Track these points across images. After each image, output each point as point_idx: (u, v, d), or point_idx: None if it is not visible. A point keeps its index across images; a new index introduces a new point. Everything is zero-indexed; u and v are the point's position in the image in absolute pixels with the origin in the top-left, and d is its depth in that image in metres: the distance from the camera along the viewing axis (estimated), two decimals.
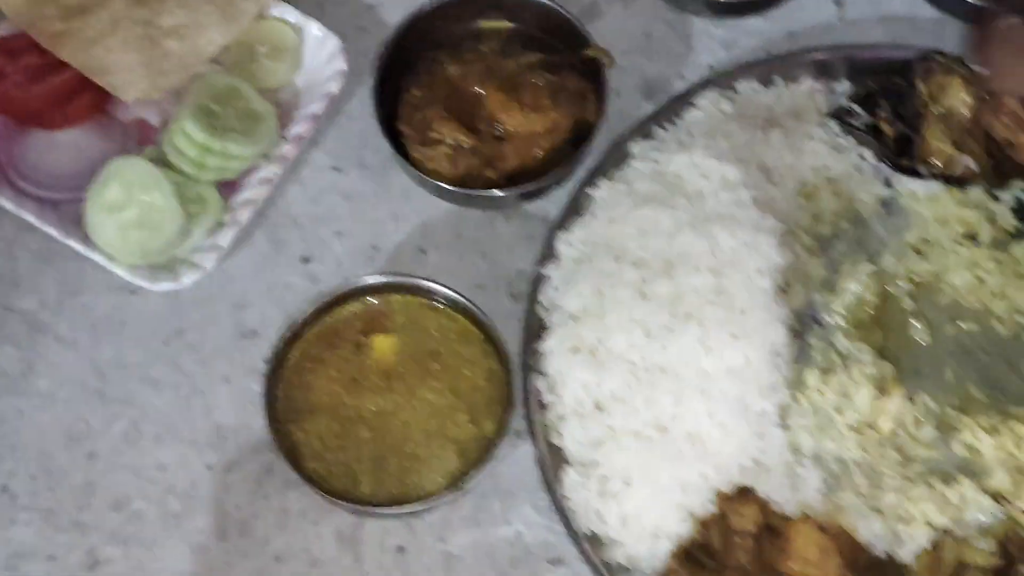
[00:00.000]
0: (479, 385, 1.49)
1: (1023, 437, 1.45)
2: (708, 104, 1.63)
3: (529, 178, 1.57)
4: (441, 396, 1.48)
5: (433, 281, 1.52)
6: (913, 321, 1.54)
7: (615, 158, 1.60)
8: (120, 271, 1.52)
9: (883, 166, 1.60)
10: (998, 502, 1.44)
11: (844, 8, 1.75)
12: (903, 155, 1.59)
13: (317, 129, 1.63)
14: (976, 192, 1.57)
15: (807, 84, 1.65)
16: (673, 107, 1.64)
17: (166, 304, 1.58)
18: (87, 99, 1.59)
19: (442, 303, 1.52)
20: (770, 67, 1.66)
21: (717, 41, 1.74)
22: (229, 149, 1.54)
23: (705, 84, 1.65)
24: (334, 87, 1.61)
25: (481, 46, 1.65)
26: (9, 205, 1.55)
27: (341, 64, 1.62)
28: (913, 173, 1.59)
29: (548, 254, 1.55)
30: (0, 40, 1.60)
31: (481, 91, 1.60)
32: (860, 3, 1.75)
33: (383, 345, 1.50)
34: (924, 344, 1.53)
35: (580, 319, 1.48)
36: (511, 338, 1.51)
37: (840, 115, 1.63)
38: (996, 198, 1.57)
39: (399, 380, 1.48)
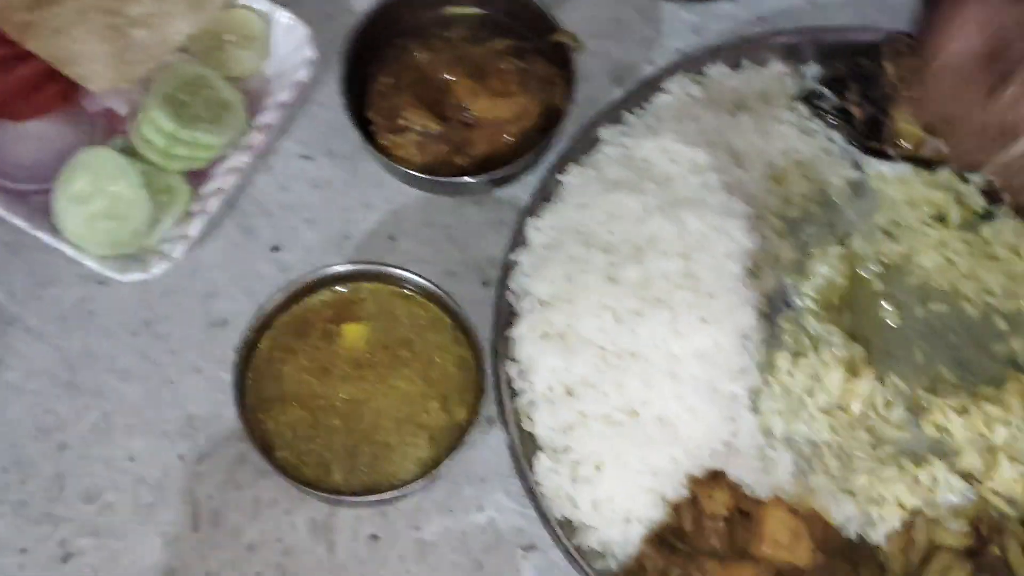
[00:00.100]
0: (450, 372, 1.49)
1: (993, 417, 1.46)
2: (677, 88, 1.63)
3: (498, 164, 1.57)
4: (412, 384, 1.48)
5: (403, 269, 1.51)
6: (883, 303, 1.55)
7: (584, 143, 1.59)
8: (89, 262, 1.52)
9: (852, 148, 1.61)
10: (969, 483, 1.45)
11: None
12: (872, 137, 1.60)
13: (286, 117, 1.63)
14: (945, 174, 1.58)
15: (776, 67, 1.65)
16: (642, 92, 1.63)
17: (135, 294, 1.58)
18: (54, 89, 1.58)
19: (412, 291, 1.52)
20: (739, 51, 1.66)
21: (686, 25, 1.74)
22: (197, 138, 1.54)
23: (674, 68, 1.65)
24: (302, 75, 1.61)
25: (449, 33, 1.65)
26: None
27: (309, 52, 1.62)
28: (882, 155, 1.59)
29: (518, 240, 1.55)
30: None
31: (449, 78, 1.60)
32: None
33: (353, 333, 1.50)
34: (894, 326, 1.54)
35: (550, 305, 1.48)
36: (482, 325, 1.50)
37: (809, 98, 1.64)
38: (965, 179, 1.57)
39: (370, 368, 1.48)
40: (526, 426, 1.47)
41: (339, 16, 1.70)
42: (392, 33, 1.64)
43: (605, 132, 1.60)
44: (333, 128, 1.66)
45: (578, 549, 1.44)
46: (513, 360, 1.50)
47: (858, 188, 1.60)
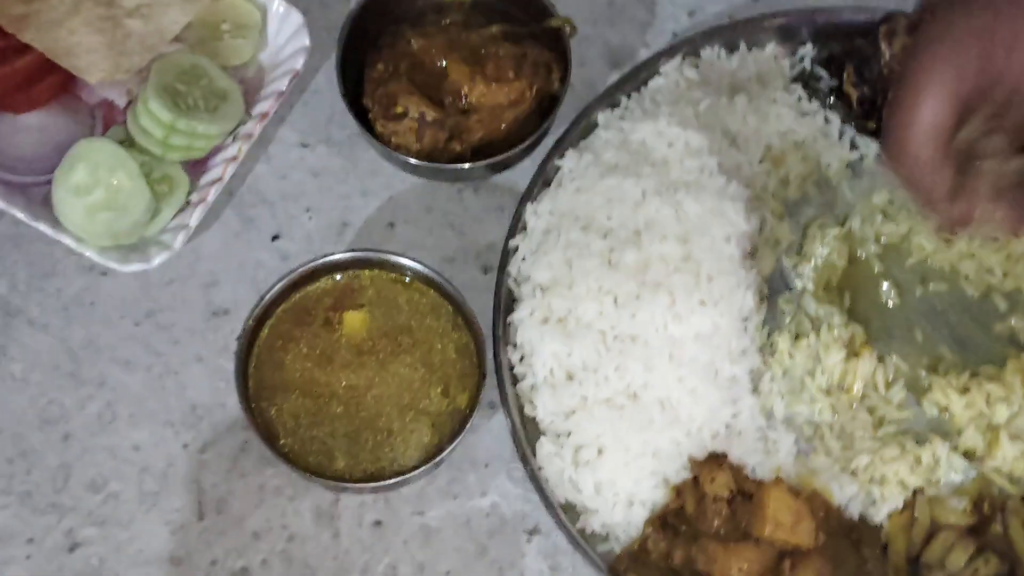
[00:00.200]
0: (451, 358, 1.49)
1: (994, 396, 1.46)
2: (673, 71, 1.63)
3: (496, 150, 1.57)
4: (413, 370, 1.48)
5: (403, 256, 1.51)
6: (883, 283, 1.55)
7: (581, 128, 1.60)
8: (89, 253, 1.52)
9: (849, 129, 1.61)
10: (970, 461, 1.46)
11: None
12: (869, 118, 1.60)
13: (283, 105, 1.63)
14: None
15: (771, 49, 1.65)
16: (638, 75, 1.63)
17: (136, 285, 1.58)
18: (51, 81, 1.58)
19: (412, 277, 1.52)
20: (735, 33, 1.66)
21: (681, 8, 1.74)
22: (195, 128, 1.54)
23: (670, 52, 1.65)
24: (298, 63, 1.61)
25: (444, 19, 1.64)
26: None
27: (305, 40, 1.62)
28: (879, 135, 1.59)
29: (517, 226, 1.55)
30: None
31: (445, 64, 1.60)
32: None
33: (354, 321, 1.50)
34: (893, 305, 1.54)
35: (550, 290, 1.48)
36: (482, 310, 1.51)
37: (805, 79, 1.64)
38: None
39: (371, 355, 1.49)
40: (528, 411, 1.48)
41: (334, 4, 1.70)
42: (387, 20, 1.63)
43: (602, 116, 1.60)
44: (330, 116, 1.66)
45: (581, 532, 1.44)
46: (514, 345, 1.50)
47: (856, 169, 1.60)
